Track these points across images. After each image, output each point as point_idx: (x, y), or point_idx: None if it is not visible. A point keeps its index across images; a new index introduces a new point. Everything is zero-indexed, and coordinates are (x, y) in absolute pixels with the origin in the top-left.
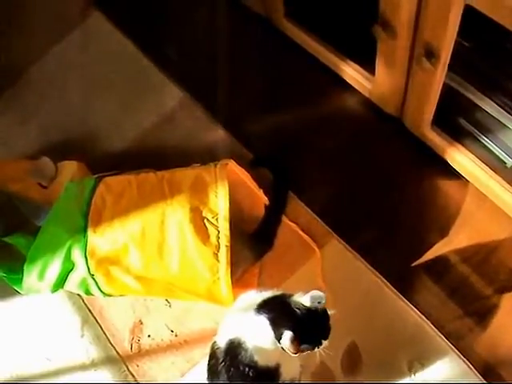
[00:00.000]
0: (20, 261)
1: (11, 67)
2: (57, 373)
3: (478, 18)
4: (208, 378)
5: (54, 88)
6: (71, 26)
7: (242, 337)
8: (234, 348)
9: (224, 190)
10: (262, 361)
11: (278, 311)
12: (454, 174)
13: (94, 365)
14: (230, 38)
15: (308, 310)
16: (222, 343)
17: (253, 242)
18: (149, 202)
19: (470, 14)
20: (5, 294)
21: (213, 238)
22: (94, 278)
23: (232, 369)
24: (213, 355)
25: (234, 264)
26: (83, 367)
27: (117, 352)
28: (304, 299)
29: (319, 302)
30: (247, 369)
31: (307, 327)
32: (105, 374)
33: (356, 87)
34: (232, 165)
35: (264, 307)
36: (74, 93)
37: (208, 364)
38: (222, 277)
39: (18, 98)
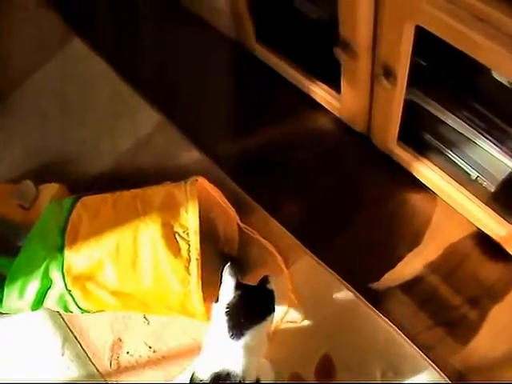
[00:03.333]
0: (1, 281)
1: None
2: None
3: (434, 38)
4: None
5: (34, 113)
6: (52, 51)
7: (229, 367)
8: (223, 379)
9: (194, 205)
10: (249, 379)
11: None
12: (422, 188)
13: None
14: (202, 61)
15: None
16: (205, 376)
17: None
18: (123, 219)
19: (424, 34)
20: None
21: (184, 252)
22: (71, 294)
23: None
24: None
25: (205, 280)
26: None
27: (97, 369)
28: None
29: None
30: None
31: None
32: None
33: (326, 107)
34: (203, 181)
35: (234, 328)
36: (54, 117)
37: None
38: (193, 289)
39: None
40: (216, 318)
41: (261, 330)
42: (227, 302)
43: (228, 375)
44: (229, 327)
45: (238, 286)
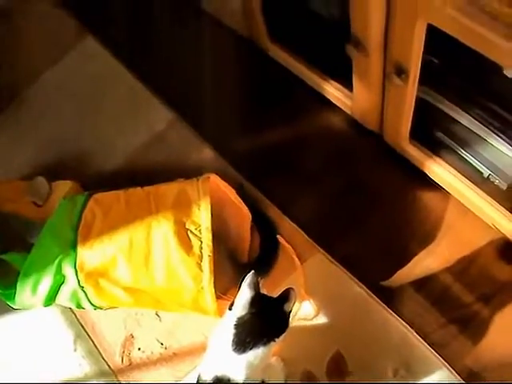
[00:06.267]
0: (13, 277)
1: (7, 89)
2: None
3: (446, 36)
4: None
5: (48, 110)
6: (65, 49)
7: (228, 374)
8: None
9: (206, 202)
10: None
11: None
12: (434, 186)
13: (86, 378)
14: (216, 59)
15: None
16: (208, 378)
17: (240, 265)
18: (136, 216)
19: (436, 32)
20: None
21: (196, 249)
22: (84, 291)
23: None
24: None
25: (217, 277)
26: (76, 381)
27: (108, 366)
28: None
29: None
30: None
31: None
32: None
33: (338, 105)
34: (216, 179)
35: (238, 344)
36: (68, 114)
37: None
38: (205, 286)
39: (14, 120)
40: (225, 324)
41: (265, 350)
42: (239, 315)
43: (229, 380)
44: (233, 341)
45: (255, 301)
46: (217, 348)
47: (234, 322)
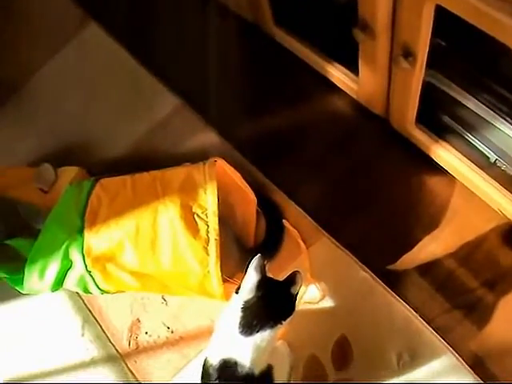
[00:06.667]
0: (21, 262)
1: (10, 78)
2: (57, 371)
3: (454, 18)
4: None
5: (52, 97)
6: (69, 36)
7: (235, 357)
8: (230, 367)
9: (212, 186)
10: (257, 369)
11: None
12: (440, 171)
13: (94, 363)
14: (220, 44)
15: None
16: (214, 361)
17: (246, 249)
18: (142, 201)
19: (444, 13)
20: (6, 295)
21: (202, 232)
22: (91, 275)
23: None
24: (206, 372)
25: (223, 261)
26: (83, 365)
27: (116, 350)
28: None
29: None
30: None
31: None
32: (104, 371)
33: (344, 89)
34: (222, 163)
35: (244, 326)
36: (72, 102)
37: (201, 380)
38: (211, 270)
39: (19, 108)
40: (231, 307)
41: (271, 333)
42: (246, 298)
43: (235, 363)
44: (240, 324)
45: (262, 284)
46: (223, 331)
47: (240, 305)
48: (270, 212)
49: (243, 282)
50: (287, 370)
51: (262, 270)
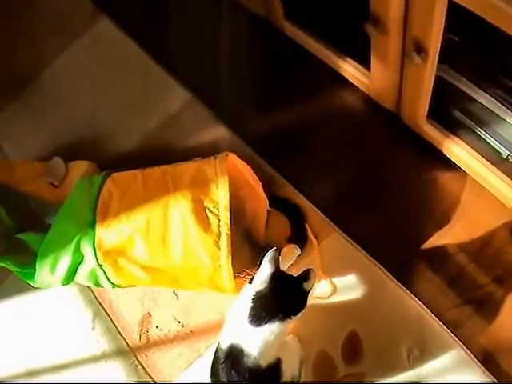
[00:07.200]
0: (32, 256)
1: (22, 72)
2: (68, 365)
3: (466, 14)
4: (211, 377)
5: (63, 91)
6: (80, 30)
7: (243, 344)
8: (236, 353)
9: (224, 180)
10: (264, 362)
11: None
12: (452, 166)
13: (104, 356)
14: (231, 38)
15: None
16: (224, 345)
17: (257, 245)
18: (153, 195)
19: (456, 9)
20: (18, 289)
21: (214, 227)
22: (102, 269)
23: (233, 372)
24: (216, 356)
25: (234, 255)
26: (94, 359)
27: (126, 343)
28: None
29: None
30: (248, 373)
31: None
32: (115, 364)
33: (355, 84)
34: (233, 157)
35: (254, 317)
36: (83, 95)
37: (212, 364)
38: (223, 264)
39: (30, 102)
40: (243, 297)
41: (280, 326)
42: (257, 289)
43: (241, 351)
44: (249, 314)
45: (275, 277)
46: (235, 319)
47: (252, 295)
48: (295, 218)
49: (257, 273)
50: (297, 364)
51: (276, 262)
